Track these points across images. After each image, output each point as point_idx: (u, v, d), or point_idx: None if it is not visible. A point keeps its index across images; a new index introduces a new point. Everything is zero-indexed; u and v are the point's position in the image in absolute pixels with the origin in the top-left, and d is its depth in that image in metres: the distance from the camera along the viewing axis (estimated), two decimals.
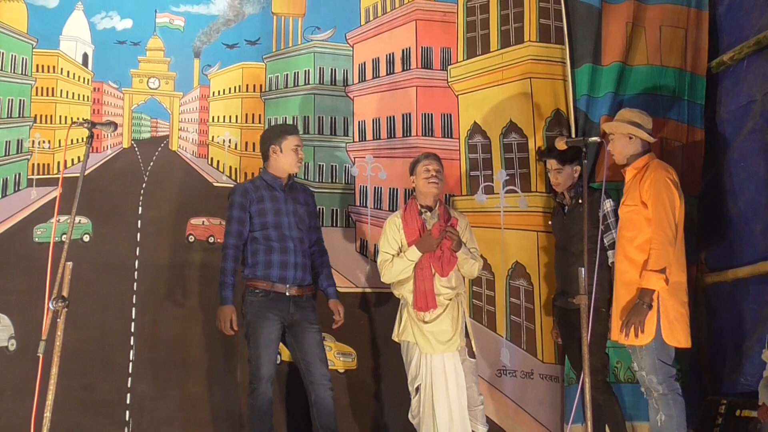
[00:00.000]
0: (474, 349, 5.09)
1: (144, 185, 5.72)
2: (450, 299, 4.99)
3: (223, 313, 4.84)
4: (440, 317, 4.93)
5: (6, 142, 5.64)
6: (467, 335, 5.04)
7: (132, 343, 5.49)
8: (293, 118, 6.02)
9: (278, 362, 5.05)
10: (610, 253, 5.03)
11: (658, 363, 4.58)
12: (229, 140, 5.98)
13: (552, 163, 5.29)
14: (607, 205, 5.07)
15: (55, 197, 4.84)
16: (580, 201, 5.17)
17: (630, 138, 4.86)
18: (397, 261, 5.00)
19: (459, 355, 4.95)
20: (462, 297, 5.12)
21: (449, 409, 4.85)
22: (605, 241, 5.05)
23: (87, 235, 5.58)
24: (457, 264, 5.01)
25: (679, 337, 4.63)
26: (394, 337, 5.14)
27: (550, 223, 5.60)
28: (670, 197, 4.62)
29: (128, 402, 5.42)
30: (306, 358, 4.94)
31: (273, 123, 6.00)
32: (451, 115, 6.09)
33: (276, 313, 4.86)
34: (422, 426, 4.94)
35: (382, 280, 5.14)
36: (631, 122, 4.85)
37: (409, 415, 5.06)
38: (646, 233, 4.64)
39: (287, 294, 4.90)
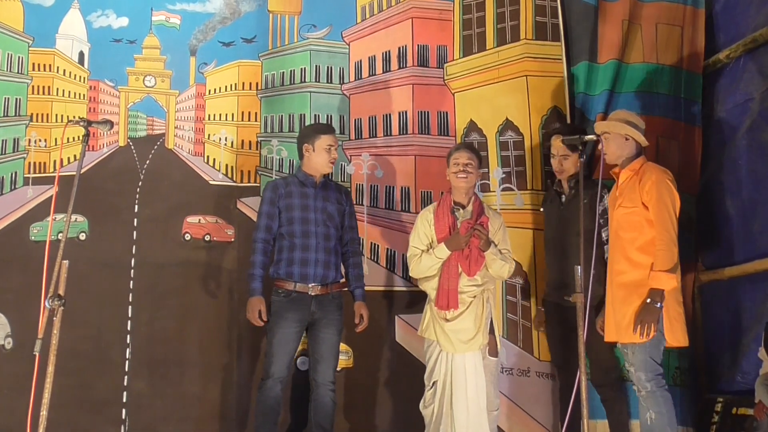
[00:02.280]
0: (498, 348, 5.00)
1: (140, 183, 5.72)
2: (474, 296, 4.88)
3: (251, 304, 4.92)
4: (462, 315, 4.84)
5: (2, 140, 5.64)
6: (492, 332, 4.95)
7: (128, 341, 5.49)
8: (289, 116, 6.02)
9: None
10: (606, 248, 5.02)
11: (649, 361, 4.60)
12: (225, 138, 5.98)
13: (560, 149, 5.17)
14: (607, 199, 5.05)
15: (52, 196, 4.87)
16: (580, 192, 5.14)
17: (626, 139, 4.85)
18: (425, 257, 4.92)
19: (481, 353, 4.87)
20: (489, 293, 4.99)
21: (467, 410, 4.77)
22: (603, 235, 5.04)
23: (83, 234, 5.57)
24: (485, 263, 4.91)
25: (678, 336, 4.67)
26: (419, 333, 5.07)
27: (541, 209, 5.53)
28: (672, 198, 4.66)
29: (125, 400, 5.43)
30: (316, 356, 5.00)
31: (269, 121, 6.00)
32: (447, 113, 6.09)
33: (295, 313, 4.92)
34: (434, 421, 4.86)
35: (410, 274, 5.12)
36: (629, 123, 4.85)
37: (421, 405, 4.98)
38: (648, 234, 4.65)
39: (310, 293, 4.95)
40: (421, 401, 4.99)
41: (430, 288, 4.97)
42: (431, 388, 4.92)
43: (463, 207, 4.97)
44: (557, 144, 5.18)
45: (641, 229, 4.69)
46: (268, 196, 5.09)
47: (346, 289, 5.21)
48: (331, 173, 5.36)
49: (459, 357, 4.82)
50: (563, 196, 5.27)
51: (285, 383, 4.96)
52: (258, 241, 5.02)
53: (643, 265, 4.64)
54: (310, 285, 4.95)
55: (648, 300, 4.56)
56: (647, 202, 4.66)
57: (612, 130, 4.88)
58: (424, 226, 5.01)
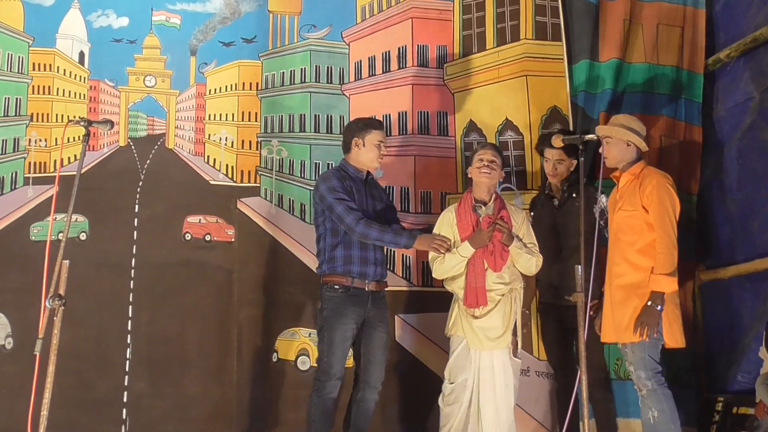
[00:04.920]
0: (519, 348, 4.94)
1: (140, 183, 5.72)
2: (502, 294, 4.83)
3: (424, 240, 4.81)
4: (491, 313, 4.78)
5: (2, 140, 5.64)
6: (514, 333, 4.88)
7: (129, 341, 5.49)
8: (289, 116, 6.02)
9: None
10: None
11: (647, 359, 4.63)
12: (226, 138, 5.98)
13: (554, 154, 5.23)
14: (603, 200, 5.07)
15: (52, 195, 4.86)
16: (574, 195, 5.18)
17: (628, 145, 4.88)
18: (449, 257, 4.84)
19: (509, 352, 4.83)
20: (517, 292, 4.93)
21: (496, 409, 4.73)
22: (607, 235, 5.07)
23: (83, 234, 5.58)
24: (511, 259, 4.87)
25: (677, 337, 4.70)
26: (446, 332, 5.01)
27: (532, 214, 5.52)
28: (672, 202, 4.70)
29: (125, 400, 5.43)
30: (368, 357, 4.88)
31: (269, 121, 6.01)
32: (447, 113, 6.09)
33: (354, 309, 4.77)
34: (458, 422, 4.81)
35: (434, 275, 5.03)
36: (631, 129, 4.87)
37: (440, 400, 4.90)
38: (648, 237, 4.68)
39: (366, 290, 4.83)
40: (440, 396, 4.92)
41: (457, 287, 4.91)
42: (453, 383, 4.85)
43: (485, 204, 4.93)
44: (553, 152, 5.25)
45: (641, 232, 4.72)
46: (339, 184, 4.82)
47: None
48: (375, 169, 5.20)
49: (486, 355, 4.78)
50: (555, 199, 5.30)
51: (342, 381, 4.81)
52: (360, 220, 4.73)
53: (643, 268, 4.67)
54: (366, 282, 4.84)
55: (649, 303, 4.59)
56: (647, 206, 4.70)
57: (614, 135, 4.90)
58: (445, 227, 4.96)
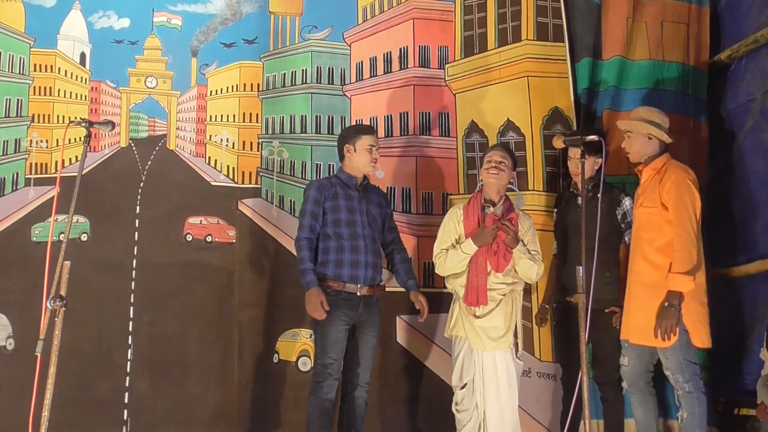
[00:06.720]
0: (520, 350, 4.94)
1: (142, 184, 5.72)
2: (504, 294, 4.85)
3: (312, 296, 4.76)
4: (492, 313, 4.80)
5: (4, 141, 5.64)
6: (515, 334, 4.89)
7: (130, 342, 5.48)
8: (291, 117, 6.02)
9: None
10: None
11: (684, 362, 4.60)
12: (227, 139, 5.97)
13: (576, 152, 5.08)
14: (627, 203, 5.05)
15: (53, 196, 4.86)
16: (598, 195, 5.03)
17: (649, 138, 4.83)
18: (452, 253, 4.89)
19: (511, 353, 4.84)
20: (518, 293, 4.95)
21: (500, 410, 4.75)
22: (626, 238, 5.04)
23: (85, 235, 5.57)
24: (513, 261, 4.87)
25: (703, 337, 4.66)
26: (446, 333, 5.04)
27: (555, 210, 5.51)
28: (692, 199, 4.62)
29: (126, 401, 5.42)
30: (356, 358, 4.93)
31: (270, 122, 6.01)
32: (448, 114, 6.09)
33: (345, 312, 4.83)
34: (467, 421, 4.82)
35: (436, 271, 5.06)
36: (651, 122, 4.82)
37: (453, 406, 4.91)
38: (667, 235, 4.64)
39: (358, 294, 4.88)
40: (453, 403, 4.93)
41: (458, 285, 4.93)
42: (463, 388, 4.86)
43: (494, 204, 4.94)
44: (575, 150, 5.12)
45: (660, 229, 4.67)
46: (313, 195, 4.98)
47: (385, 291, 5.18)
48: (370, 173, 5.24)
49: (489, 355, 4.79)
50: (579, 197, 5.21)
51: (339, 381, 4.87)
52: (302, 240, 4.89)
53: (661, 267, 4.62)
54: (358, 286, 4.88)
55: (666, 303, 4.54)
56: (666, 203, 4.64)
57: (634, 129, 4.86)
58: (452, 223, 4.99)
